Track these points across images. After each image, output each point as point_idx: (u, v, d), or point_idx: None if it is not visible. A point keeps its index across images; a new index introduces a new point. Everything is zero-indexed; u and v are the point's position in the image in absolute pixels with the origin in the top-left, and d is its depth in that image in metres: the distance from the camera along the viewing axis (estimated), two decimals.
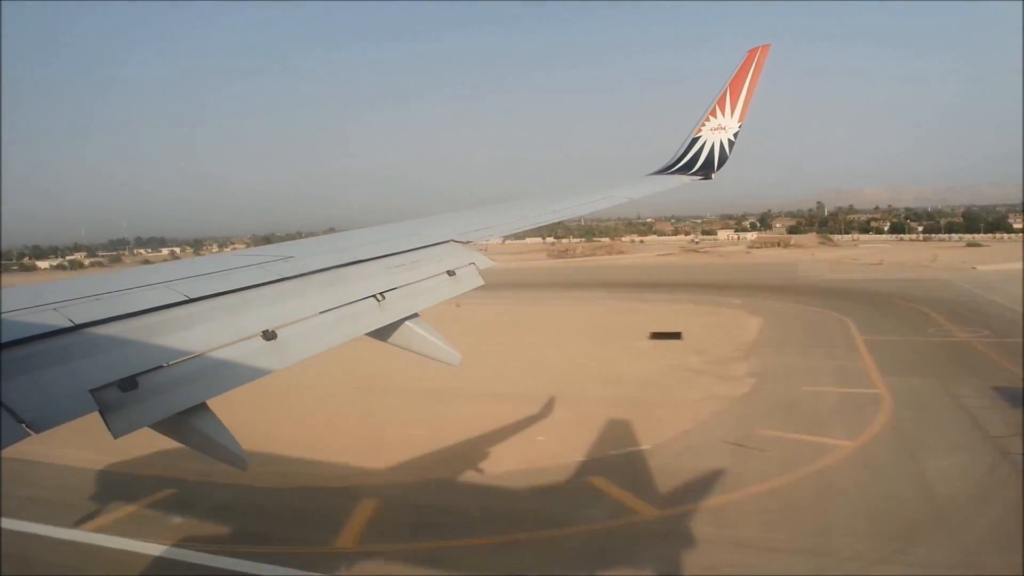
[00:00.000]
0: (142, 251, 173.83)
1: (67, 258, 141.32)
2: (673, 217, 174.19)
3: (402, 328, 3.14)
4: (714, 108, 6.46)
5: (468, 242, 4.10)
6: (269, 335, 2.53)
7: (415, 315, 3.20)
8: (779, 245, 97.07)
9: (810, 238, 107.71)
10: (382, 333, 3.11)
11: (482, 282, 3.75)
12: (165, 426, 2.12)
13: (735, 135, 6.51)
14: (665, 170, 6.78)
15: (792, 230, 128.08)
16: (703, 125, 6.56)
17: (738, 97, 6.34)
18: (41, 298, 2.32)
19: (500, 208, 5.45)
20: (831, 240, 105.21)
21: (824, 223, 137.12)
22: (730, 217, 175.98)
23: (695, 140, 6.63)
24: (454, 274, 3.62)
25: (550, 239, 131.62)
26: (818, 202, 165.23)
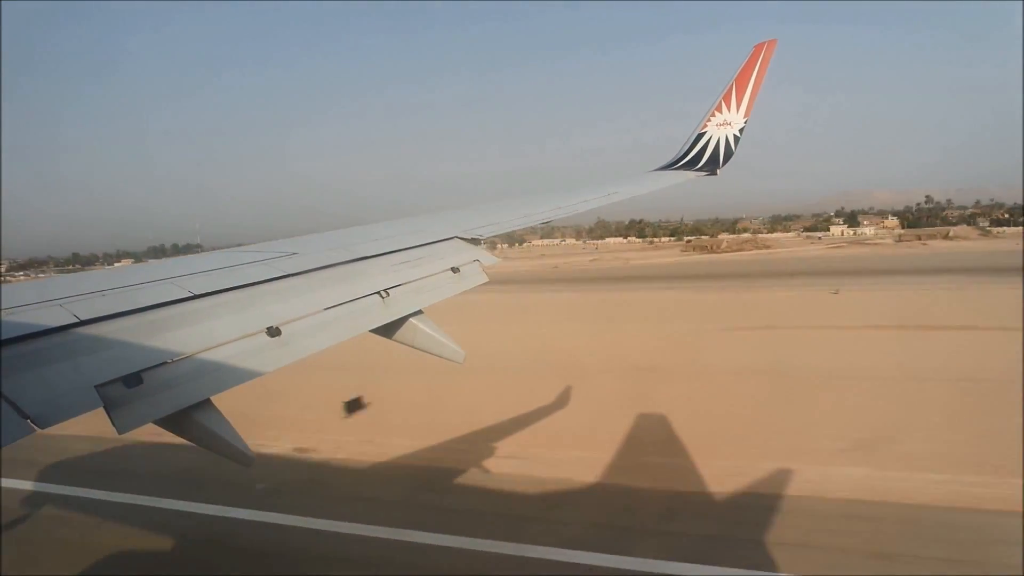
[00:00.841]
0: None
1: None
2: (719, 219, 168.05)
3: (406, 325, 3.15)
4: (719, 104, 6.44)
5: (472, 239, 4.10)
6: (273, 331, 2.54)
7: (419, 312, 3.21)
8: (941, 237, 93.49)
9: (966, 230, 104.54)
10: (386, 330, 3.11)
11: (486, 279, 3.74)
12: (169, 422, 2.12)
13: (741, 130, 6.48)
14: (670, 166, 6.76)
15: (911, 224, 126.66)
16: (708, 121, 6.53)
17: (744, 92, 6.31)
18: (46, 294, 2.34)
19: (504, 205, 5.44)
20: (991, 232, 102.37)
21: (928, 218, 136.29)
22: (784, 217, 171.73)
23: (700, 136, 6.61)
24: (458, 271, 3.63)
25: (632, 238, 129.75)
26: (927, 195, 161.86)
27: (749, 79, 6.27)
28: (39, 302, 2.24)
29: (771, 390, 15.45)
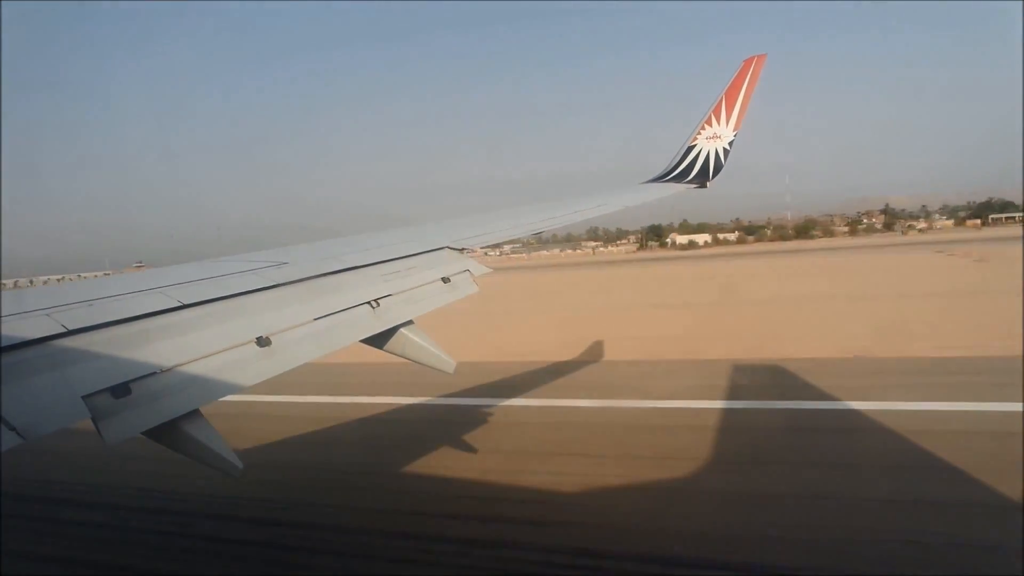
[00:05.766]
0: None
1: None
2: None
3: (397, 335, 3.15)
4: (709, 117, 6.52)
5: (463, 249, 4.12)
6: (263, 341, 2.53)
7: (410, 322, 3.21)
8: None
9: None
10: (377, 340, 3.11)
11: (476, 289, 3.75)
12: (158, 433, 2.11)
13: (730, 144, 6.57)
14: (660, 178, 6.82)
15: None
16: (698, 134, 6.61)
17: (733, 106, 6.40)
18: (34, 303, 2.32)
19: (495, 215, 5.47)
20: None
21: None
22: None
23: (690, 148, 6.68)
24: (449, 281, 3.64)
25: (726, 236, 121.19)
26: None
27: (739, 93, 6.36)
28: (26, 312, 2.23)
29: None
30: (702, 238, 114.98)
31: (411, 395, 10.62)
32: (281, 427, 9.18)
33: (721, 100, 6.42)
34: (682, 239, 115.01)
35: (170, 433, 2.12)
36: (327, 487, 6.92)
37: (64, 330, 2.11)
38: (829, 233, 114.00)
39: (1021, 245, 32.57)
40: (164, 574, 5.34)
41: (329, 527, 5.86)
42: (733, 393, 9.58)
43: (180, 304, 2.51)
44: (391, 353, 3.21)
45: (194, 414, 2.18)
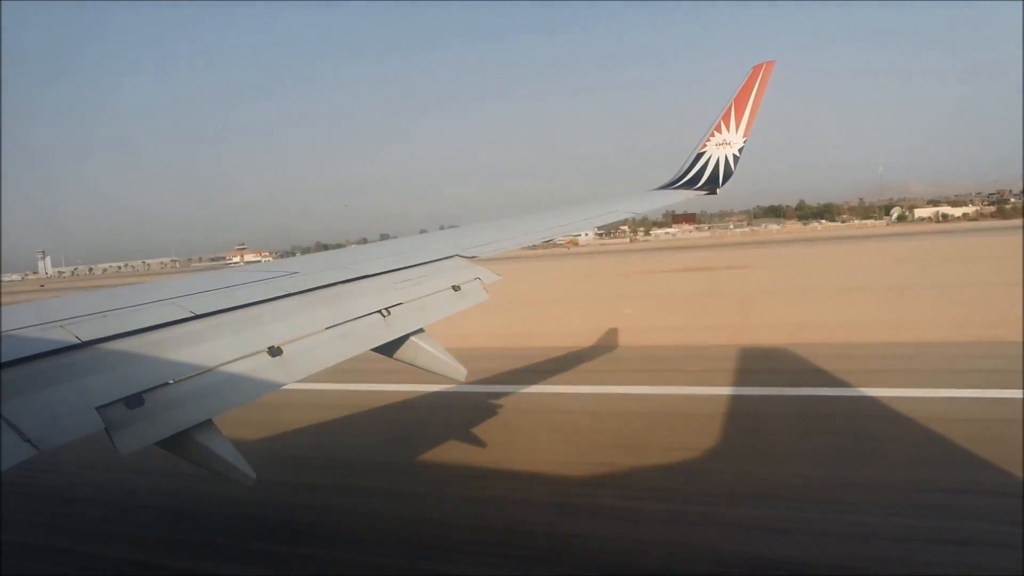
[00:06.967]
0: None
1: None
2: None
3: (408, 343, 3.15)
4: (719, 123, 6.50)
5: (473, 257, 4.13)
6: (275, 351, 2.54)
7: (420, 330, 3.21)
8: None
9: None
10: (388, 348, 3.11)
11: (487, 297, 3.75)
12: (171, 443, 2.12)
13: (740, 150, 6.55)
14: (670, 185, 6.81)
15: None
16: (708, 140, 6.60)
17: (743, 113, 6.38)
18: (47, 315, 2.34)
19: (505, 223, 5.48)
20: None
21: None
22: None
23: (700, 155, 6.67)
24: (459, 289, 3.64)
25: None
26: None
27: (748, 99, 6.35)
28: (40, 323, 2.25)
29: None
30: (959, 211, 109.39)
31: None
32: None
33: (731, 107, 6.41)
34: (924, 213, 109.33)
35: (183, 443, 2.13)
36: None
37: (78, 341, 2.12)
38: None
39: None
40: None
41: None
42: None
43: (192, 315, 2.52)
44: (401, 361, 3.21)
45: (206, 424, 2.18)
